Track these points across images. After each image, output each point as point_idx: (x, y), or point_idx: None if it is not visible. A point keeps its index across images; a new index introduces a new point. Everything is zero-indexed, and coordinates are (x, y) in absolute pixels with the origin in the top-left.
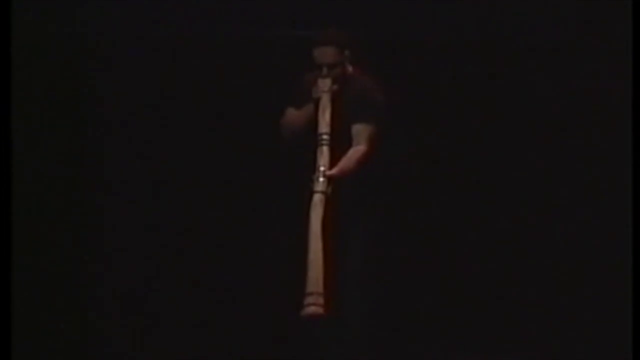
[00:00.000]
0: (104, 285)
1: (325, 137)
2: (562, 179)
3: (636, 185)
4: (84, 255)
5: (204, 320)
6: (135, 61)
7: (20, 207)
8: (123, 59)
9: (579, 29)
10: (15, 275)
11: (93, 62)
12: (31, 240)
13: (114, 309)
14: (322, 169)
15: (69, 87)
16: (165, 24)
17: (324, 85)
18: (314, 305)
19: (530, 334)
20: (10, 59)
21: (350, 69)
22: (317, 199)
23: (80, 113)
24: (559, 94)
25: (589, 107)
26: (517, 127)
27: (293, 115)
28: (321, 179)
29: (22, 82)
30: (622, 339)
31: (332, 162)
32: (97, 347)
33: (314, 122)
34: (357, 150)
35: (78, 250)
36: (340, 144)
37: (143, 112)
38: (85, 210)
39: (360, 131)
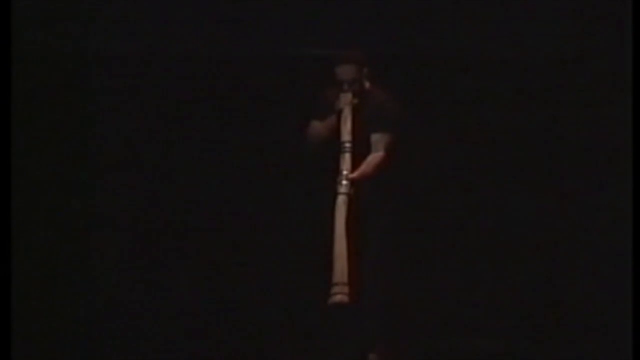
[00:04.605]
0: (110, 286)
1: (347, 144)
2: (571, 185)
3: (636, 186)
4: (87, 256)
5: (242, 308)
6: (157, 79)
7: (20, 210)
8: (141, 75)
9: (580, 37)
10: (15, 275)
11: (95, 76)
12: (31, 240)
13: (121, 309)
14: (345, 172)
15: (69, 96)
16: (198, 43)
17: (346, 99)
18: (339, 294)
19: (531, 332)
20: (10, 69)
21: (367, 84)
22: (341, 200)
23: (81, 121)
24: (570, 103)
25: (590, 110)
26: (528, 135)
27: (318, 125)
28: (344, 182)
29: (22, 93)
30: (622, 339)
31: (354, 167)
32: (100, 347)
33: (337, 131)
34: (376, 156)
35: (80, 250)
36: (361, 151)
37: (167, 120)
38: (89, 212)
39: (379, 139)
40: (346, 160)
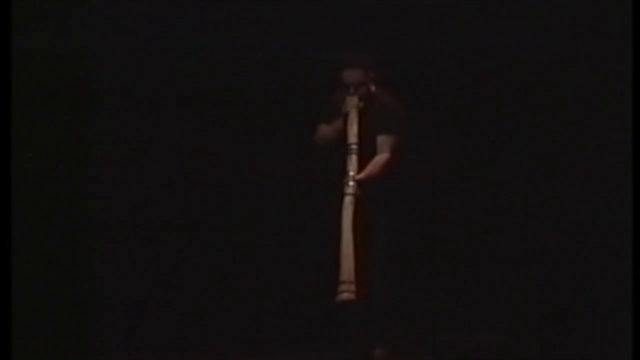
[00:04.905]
0: (113, 286)
1: (353, 146)
2: (571, 184)
3: (636, 186)
4: (87, 255)
5: (251, 306)
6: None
7: (20, 210)
8: (145, 76)
9: (580, 37)
10: (15, 275)
11: (95, 76)
12: (31, 240)
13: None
14: (351, 174)
15: (69, 96)
16: (204, 45)
17: (352, 102)
18: (346, 292)
19: (532, 331)
20: (10, 69)
21: (373, 88)
22: (348, 200)
23: (81, 121)
24: (570, 103)
25: (590, 110)
26: (530, 135)
27: (325, 128)
28: (351, 183)
29: (22, 92)
30: (622, 339)
31: (360, 168)
32: (104, 347)
33: (343, 134)
34: (381, 158)
35: (81, 250)
36: (367, 153)
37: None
38: (89, 212)
39: (384, 141)
40: (353, 161)
